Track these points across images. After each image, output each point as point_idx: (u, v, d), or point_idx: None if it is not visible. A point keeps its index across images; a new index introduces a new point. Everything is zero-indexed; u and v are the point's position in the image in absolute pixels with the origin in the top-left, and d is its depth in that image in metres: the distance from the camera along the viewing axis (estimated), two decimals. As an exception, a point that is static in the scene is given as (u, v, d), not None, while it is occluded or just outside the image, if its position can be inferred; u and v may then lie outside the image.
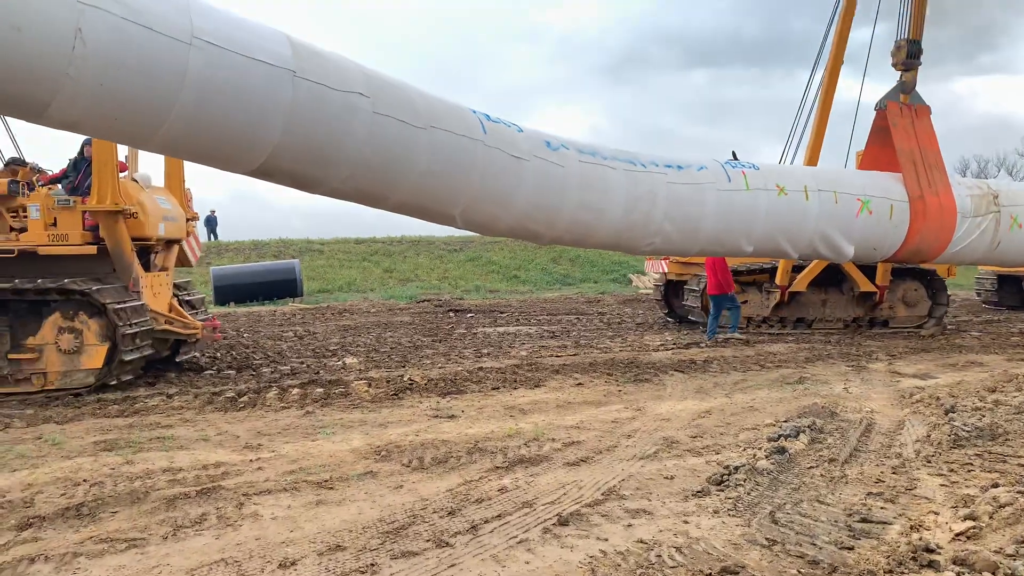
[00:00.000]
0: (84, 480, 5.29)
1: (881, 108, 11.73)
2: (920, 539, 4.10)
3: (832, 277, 14.41)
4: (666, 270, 15.66)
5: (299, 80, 5.39)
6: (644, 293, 27.64)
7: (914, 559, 3.86)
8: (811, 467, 5.52)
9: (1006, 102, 75.43)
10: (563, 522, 4.51)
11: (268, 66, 5.21)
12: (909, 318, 14.76)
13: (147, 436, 6.60)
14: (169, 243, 10.12)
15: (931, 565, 3.80)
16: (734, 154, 11.06)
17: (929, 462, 5.57)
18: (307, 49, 5.58)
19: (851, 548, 4.07)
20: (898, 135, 11.17)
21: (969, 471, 5.31)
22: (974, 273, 21.06)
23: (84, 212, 8.73)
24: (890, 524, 4.41)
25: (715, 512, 4.69)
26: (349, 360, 10.92)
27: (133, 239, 8.90)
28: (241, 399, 8.11)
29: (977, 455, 5.63)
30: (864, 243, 10.24)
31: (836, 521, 4.47)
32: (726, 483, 5.21)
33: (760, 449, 5.96)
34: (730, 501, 4.84)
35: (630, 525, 4.49)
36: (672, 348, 12.09)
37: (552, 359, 10.91)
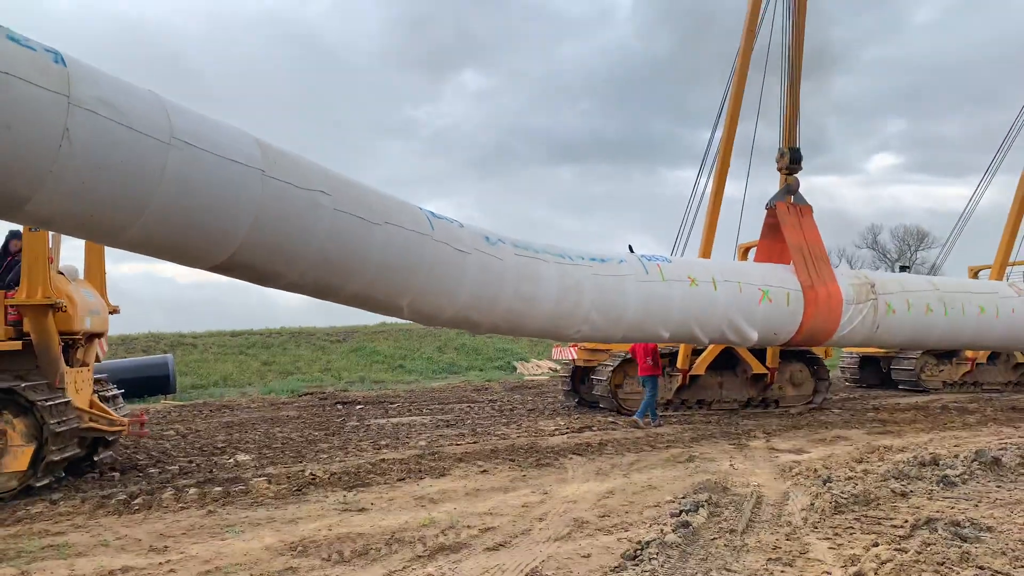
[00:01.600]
0: (-22, 595, 4.93)
1: (771, 207, 13.04)
2: (819, 597, 4.53)
3: (727, 360, 15.48)
4: (575, 356, 16.12)
5: (267, 179, 5.57)
6: (530, 379, 28.14)
7: (817, 615, 4.27)
8: (714, 538, 5.92)
9: (840, 199, 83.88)
10: (494, 604, 4.64)
11: (240, 165, 5.37)
12: (797, 396, 15.97)
13: (38, 544, 6.19)
14: (91, 337, 9.68)
15: (832, 619, 4.21)
16: (631, 247, 11.83)
17: (816, 528, 6.11)
18: (273, 150, 5.80)
19: (761, 609, 4.44)
20: (787, 231, 12.40)
21: (851, 534, 5.88)
22: (839, 354, 22.93)
23: (7, 307, 8.28)
24: (791, 585, 4.83)
25: (634, 585, 4.96)
26: (241, 457, 10.58)
27: (60, 333, 8.48)
28: (135, 501, 7.72)
29: (856, 519, 6.23)
30: (766, 328, 11.20)
31: (744, 586, 4.84)
32: (640, 558, 5.50)
33: (665, 524, 6.33)
34: (647, 574, 5.13)
35: (558, 603, 4.68)
36: (567, 432, 12.47)
37: (452, 448, 11.00)
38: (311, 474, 8.95)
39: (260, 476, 8.93)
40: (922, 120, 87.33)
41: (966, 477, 7.58)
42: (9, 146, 4.16)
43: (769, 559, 5.36)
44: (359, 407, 18.03)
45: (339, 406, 18.44)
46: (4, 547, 6.15)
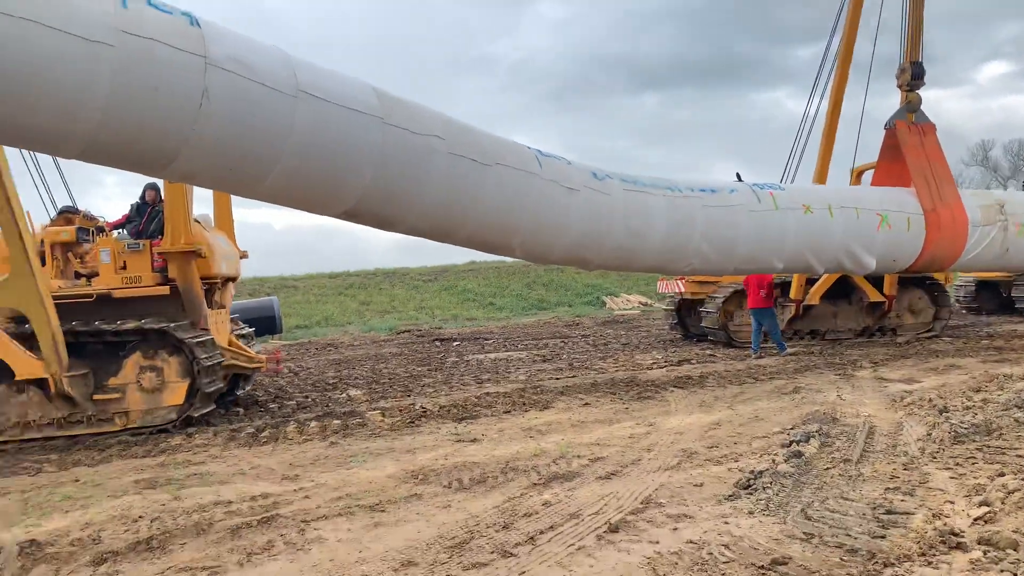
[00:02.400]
0: (141, 516, 5.44)
1: (890, 127, 12.61)
2: (944, 525, 4.50)
3: (842, 289, 15.10)
4: (682, 290, 16.02)
5: (387, 126, 5.78)
6: (620, 314, 28.17)
7: (943, 542, 4.25)
8: (828, 468, 5.91)
9: (946, 113, 78.63)
10: (613, 529, 4.81)
11: (361, 114, 5.58)
12: (915, 325, 15.54)
13: (184, 473, 6.75)
14: (226, 281, 10.37)
15: (959, 547, 4.18)
16: (738, 176, 11.59)
17: (935, 458, 6.00)
18: (389, 97, 5.98)
19: (883, 537, 4.44)
20: (909, 152, 12.01)
21: (974, 464, 5.74)
22: (954, 279, 22.07)
23: (154, 254, 8.94)
24: (913, 514, 4.79)
25: (750, 513, 5.03)
26: (353, 392, 11.11)
27: (200, 278, 9.12)
28: (262, 434, 8.27)
29: (978, 449, 6.08)
30: (885, 255, 11.03)
31: (864, 514, 4.84)
32: (753, 487, 5.56)
33: (776, 455, 6.34)
34: (761, 503, 5.19)
35: (676, 528, 4.81)
36: (666, 366, 12.50)
37: (552, 382, 11.22)
38: (422, 407, 9.34)
39: (374, 409, 9.38)
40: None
41: (1097, 406, 7.24)
42: (156, 108, 4.42)
43: (887, 488, 5.32)
44: (456, 343, 18.53)
45: (437, 343, 19.00)
46: (154, 475, 6.74)
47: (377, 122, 5.63)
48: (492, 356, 15.35)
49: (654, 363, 12.92)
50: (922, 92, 12.83)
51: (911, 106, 12.59)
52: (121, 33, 4.39)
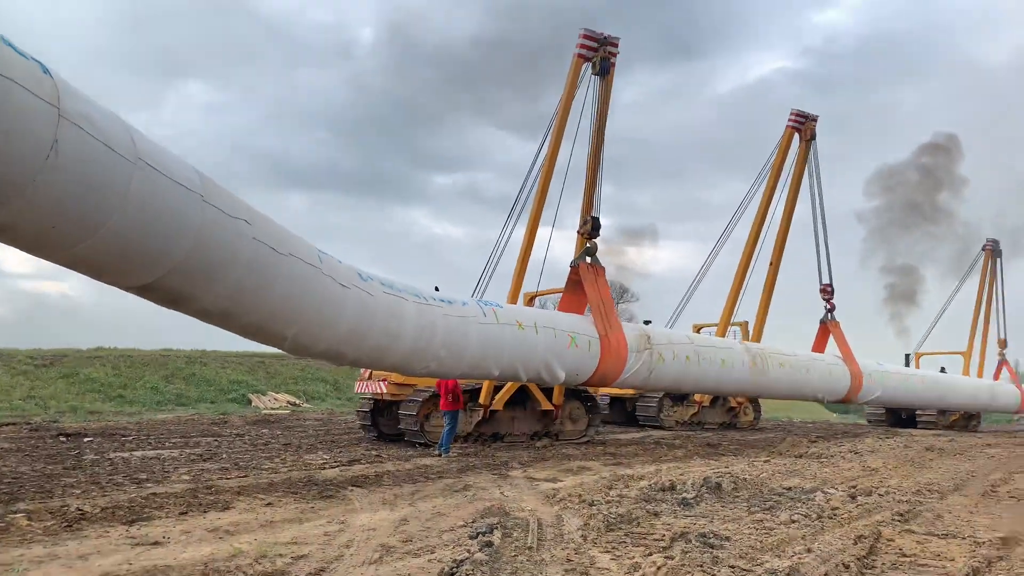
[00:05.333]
0: None
1: (574, 265, 14.97)
2: (618, 596, 5.48)
3: (520, 397, 17.13)
4: (384, 391, 16.32)
5: (206, 204, 5.57)
6: (269, 413, 27.29)
7: (620, 609, 5.19)
8: (515, 555, 6.70)
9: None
10: (342, 621, 4.96)
11: (187, 190, 5.30)
12: (574, 431, 18.27)
13: None
14: None
15: (633, 612, 5.16)
16: (436, 288, 12.55)
17: (595, 543, 7.15)
18: (206, 176, 5.80)
19: (575, 609, 5.26)
20: (588, 287, 14.44)
21: (625, 547, 6.98)
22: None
23: None
24: (592, 589, 5.73)
25: (461, 598, 5.55)
26: (-28, 494, 9.37)
27: None
28: None
29: (625, 535, 7.38)
30: (571, 369, 12.97)
31: (555, 592, 5.65)
32: (457, 574, 6.10)
33: (469, 545, 6.98)
34: (469, 588, 5.75)
35: (400, 616, 5.12)
36: (337, 466, 12.63)
37: (224, 482, 10.69)
38: (78, 509, 8.30)
39: (14, 512, 8.09)
40: (623, 189, 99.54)
41: (698, 499, 9.20)
42: (2, 153, 3.92)
43: (566, 570, 6.25)
44: (87, 439, 16.43)
45: (62, 438, 16.63)
46: None
47: (197, 199, 5.42)
48: (139, 454, 13.96)
49: (324, 463, 12.95)
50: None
51: (589, 251, 15.16)
52: None
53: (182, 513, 8.46)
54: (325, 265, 7.48)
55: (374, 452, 14.77)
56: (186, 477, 11.11)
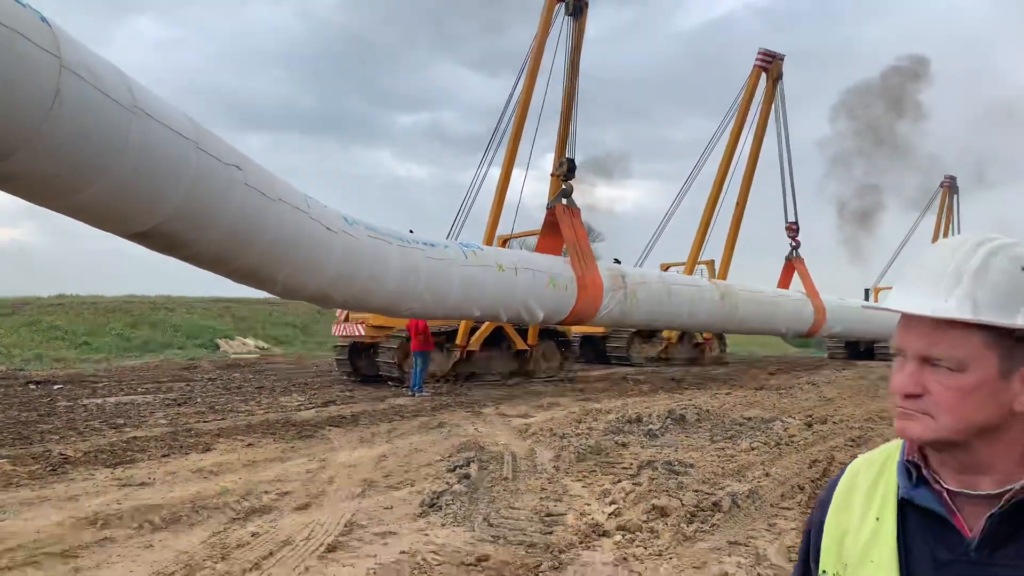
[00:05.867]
0: None
1: (551, 208, 15.14)
2: (590, 519, 5.85)
3: (496, 338, 17.44)
4: (362, 333, 16.45)
5: (200, 151, 5.64)
6: (239, 358, 27.37)
7: (593, 531, 5.57)
8: (492, 485, 7.05)
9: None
10: (331, 549, 5.26)
11: (182, 138, 5.34)
12: (548, 369, 18.78)
13: None
14: None
15: (604, 534, 5.54)
16: (411, 232, 12.68)
17: (567, 473, 7.53)
18: (198, 124, 5.83)
19: (551, 532, 5.63)
20: (564, 229, 14.76)
21: (595, 475, 7.37)
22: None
23: None
24: (565, 515, 6.10)
25: (443, 525, 5.88)
26: (-51, 442, 9.45)
27: None
28: None
29: (596, 465, 7.77)
30: (550, 309, 13.35)
31: (531, 518, 6.01)
32: (438, 505, 6.43)
33: (448, 478, 7.31)
34: (450, 516, 6.08)
35: (386, 543, 5.44)
36: (313, 407, 12.88)
37: (202, 425, 10.88)
38: (60, 454, 8.45)
39: (-3, 459, 8.21)
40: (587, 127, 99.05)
41: (663, 430, 9.64)
42: (8, 103, 3.94)
43: (542, 498, 6.61)
44: (57, 387, 16.43)
45: (31, 385, 16.60)
46: None
47: (192, 147, 5.49)
48: (113, 400, 14.05)
49: (300, 405, 13.19)
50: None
51: (565, 192, 15.33)
52: None
53: (164, 455, 8.66)
54: (313, 210, 7.59)
55: (348, 393, 15.04)
56: (163, 421, 11.27)
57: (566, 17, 16.45)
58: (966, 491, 1.09)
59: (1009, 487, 1.05)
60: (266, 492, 6.91)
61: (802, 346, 50.29)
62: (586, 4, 16.41)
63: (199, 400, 13.95)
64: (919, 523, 1.12)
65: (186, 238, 6.07)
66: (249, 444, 9.37)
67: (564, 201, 15.22)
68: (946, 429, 1.05)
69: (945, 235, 35.36)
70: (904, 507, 1.14)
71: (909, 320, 1.08)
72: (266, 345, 33.00)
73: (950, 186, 35.91)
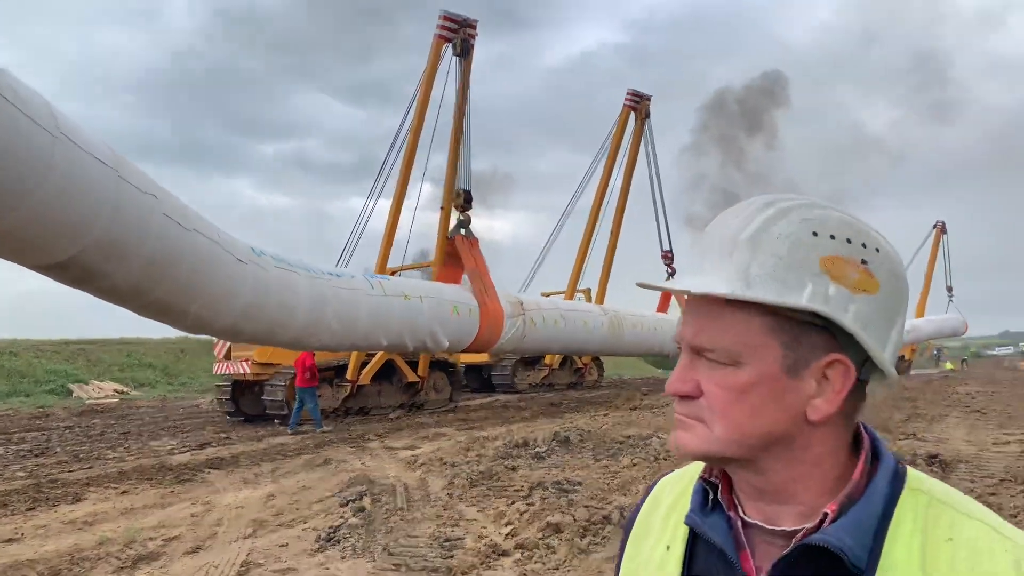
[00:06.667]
0: None
1: (451, 238, 15.41)
2: (489, 542, 6.04)
3: (386, 371, 17.26)
4: (247, 371, 15.87)
5: (120, 180, 5.39)
6: (96, 403, 25.66)
7: (493, 552, 5.76)
8: (387, 517, 7.09)
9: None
10: (232, 590, 5.17)
11: (103, 166, 5.07)
12: (438, 400, 18.69)
13: None
14: None
15: (504, 553, 5.74)
16: None
17: (461, 499, 7.68)
18: (116, 152, 5.58)
19: (451, 556, 5.77)
20: (465, 258, 15.07)
21: (489, 499, 7.57)
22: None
23: None
24: (464, 539, 6.26)
25: (343, 558, 5.90)
26: None
27: None
28: None
29: (488, 490, 7.97)
30: (454, 336, 13.49)
31: (430, 544, 6.13)
32: (334, 539, 6.42)
33: (342, 513, 7.29)
34: (348, 549, 6.10)
35: (287, 580, 5.40)
36: (187, 450, 12.33)
37: (67, 475, 10.22)
38: (-91, 515, 7.73)
39: None
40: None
41: (549, 452, 9.98)
42: None
43: (439, 524, 6.73)
44: None
45: None
46: None
47: (113, 175, 5.26)
48: (-43, 455, 12.89)
49: (173, 449, 12.60)
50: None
51: (464, 223, 15.62)
52: None
53: (29, 508, 8.11)
54: (223, 240, 7.47)
55: (223, 435, 14.49)
56: (21, 474, 10.48)
57: (454, 57, 16.94)
58: (760, 524, 0.86)
59: (803, 526, 0.82)
60: (151, 539, 6.65)
61: (667, 368, 52.72)
62: (472, 46, 16.92)
63: (59, 449, 13.04)
64: (707, 557, 0.90)
65: (104, 268, 5.86)
66: (124, 491, 8.92)
67: (463, 231, 15.56)
68: (720, 441, 0.81)
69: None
70: (696, 536, 0.92)
71: (688, 304, 0.86)
72: (125, 388, 31.06)
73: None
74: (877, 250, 0.81)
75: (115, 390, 30.27)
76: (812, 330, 0.79)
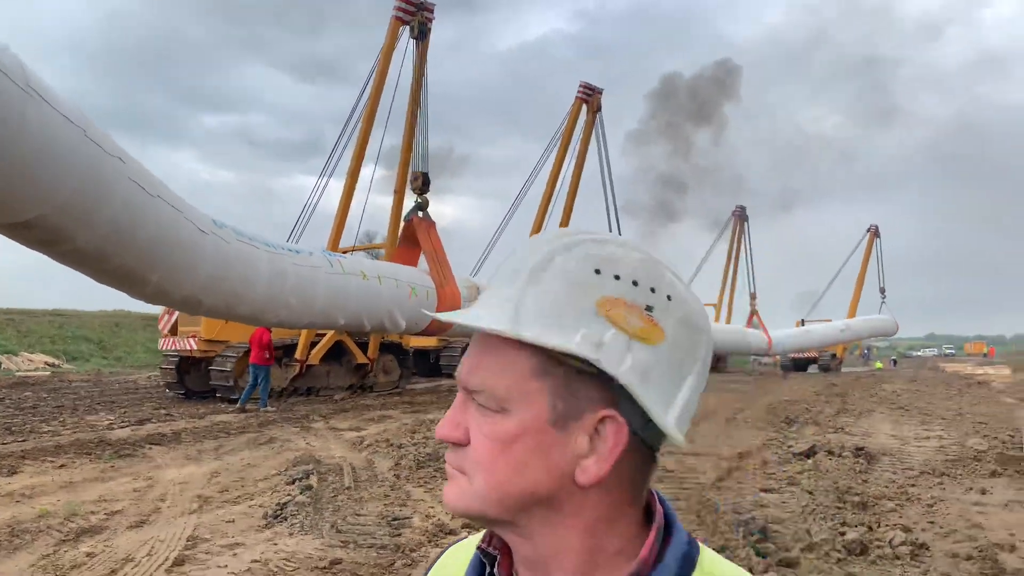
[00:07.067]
0: None
1: (408, 220, 15.39)
2: (437, 520, 6.17)
3: (335, 351, 17.07)
4: (193, 347, 15.58)
5: (87, 140, 5.29)
6: (27, 376, 24.87)
7: (440, 531, 5.90)
8: (335, 495, 7.16)
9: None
10: (179, 562, 5.20)
11: (72, 125, 4.96)
12: (387, 382, 18.71)
13: None
14: None
15: (452, 532, 5.88)
16: None
17: (408, 480, 7.80)
18: (82, 111, 5.46)
19: (399, 535, 5.89)
20: (423, 240, 15.10)
21: (436, 480, 7.70)
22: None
23: None
24: (411, 518, 6.38)
25: (291, 535, 5.96)
26: None
27: None
28: None
29: (435, 471, 8.10)
30: (411, 318, 13.48)
31: (378, 523, 6.24)
32: (282, 515, 6.47)
33: (288, 491, 7.33)
34: (296, 526, 6.16)
35: (235, 554, 5.45)
36: (127, 426, 12.13)
37: (1, 447, 9.97)
38: None
39: None
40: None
41: (495, 437, 10.14)
42: None
43: (386, 504, 6.84)
44: None
45: None
46: None
47: (80, 134, 5.12)
48: None
49: (112, 424, 12.37)
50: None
51: (421, 205, 15.59)
52: None
53: (-38, 481, 7.92)
54: (186, 210, 7.38)
55: (163, 411, 14.27)
56: (-49, 445, 10.19)
57: (410, 40, 16.88)
58: None
59: None
60: (92, 512, 6.59)
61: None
62: (429, 29, 16.86)
63: (-11, 422, 12.67)
64: None
65: (70, 230, 5.75)
66: (62, 465, 8.76)
67: (420, 214, 15.57)
68: (478, 497, 0.71)
69: (737, 256, 39.34)
70: None
71: (474, 338, 0.77)
72: (56, 361, 30.15)
73: (740, 215, 39.89)
74: (669, 297, 0.70)
75: (46, 363, 29.37)
76: (589, 380, 0.68)
